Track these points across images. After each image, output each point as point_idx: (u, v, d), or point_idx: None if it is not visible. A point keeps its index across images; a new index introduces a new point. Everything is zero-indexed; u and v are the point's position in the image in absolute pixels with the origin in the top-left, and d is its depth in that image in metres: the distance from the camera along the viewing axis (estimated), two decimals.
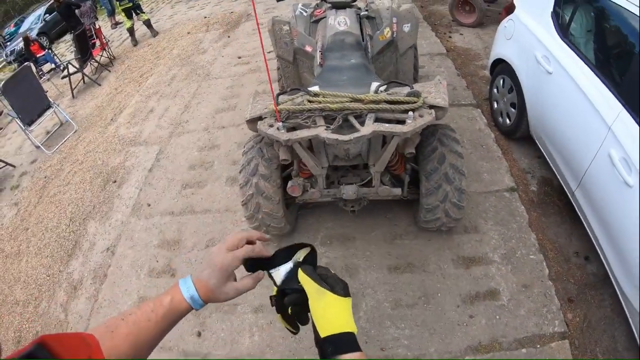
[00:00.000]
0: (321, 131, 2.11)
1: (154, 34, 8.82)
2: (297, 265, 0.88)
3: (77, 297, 3.52)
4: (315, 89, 2.38)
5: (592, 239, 2.61)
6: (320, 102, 2.24)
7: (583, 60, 2.69)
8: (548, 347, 2.45)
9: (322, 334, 0.77)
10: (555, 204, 3.23)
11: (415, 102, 2.19)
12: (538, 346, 2.46)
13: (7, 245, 4.51)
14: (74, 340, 0.51)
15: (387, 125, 2.12)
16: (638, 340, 2.19)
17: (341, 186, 2.63)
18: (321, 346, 0.77)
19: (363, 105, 2.20)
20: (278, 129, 2.19)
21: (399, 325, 2.66)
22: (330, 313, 0.79)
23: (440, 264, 2.93)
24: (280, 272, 0.89)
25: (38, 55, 9.30)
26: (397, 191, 2.69)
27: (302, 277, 0.83)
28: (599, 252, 2.54)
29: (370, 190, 2.68)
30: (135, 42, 8.72)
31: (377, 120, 2.18)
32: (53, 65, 9.12)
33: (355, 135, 2.05)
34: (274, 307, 0.89)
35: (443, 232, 3.06)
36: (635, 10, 2.32)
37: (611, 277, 2.41)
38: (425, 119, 2.14)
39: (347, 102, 2.22)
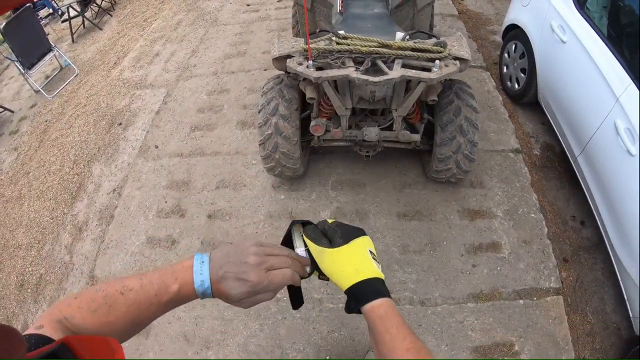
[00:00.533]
0: (351, 72, 2.16)
1: None
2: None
3: (82, 239, 3.52)
4: (342, 32, 2.42)
5: (591, 204, 2.75)
6: (349, 45, 2.28)
7: (597, 34, 2.77)
8: (544, 300, 2.61)
9: (343, 290, 0.75)
10: (556, 169, 3.36)
11: (441, 52, 2.25)
12: (535, 299, 2.62)
13: (7, 190, 4.46)
14: (97, 342, 0.51)
15: (414, 71, 2.19)
16: (628, 303, 2.35)
17: (363, 128, 2.70)
18: (347, 302, 0.75)
19: (391, 50, 2.25)
20: (308, 67, 2.23)
21: (406, 269, 2.79)
22: (336, 268, 0.76)
23: (446, 214, 3.05)
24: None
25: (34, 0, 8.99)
26: (416, 137, 2.78)
27: (307, 242, 0.81)
28: (596, 217, 2.68)
29: (390, 134, 2.75)
30: None
31: (404, 66, 2.24)
32: (51, 10, 8.84)
33: (385, 77, 2.12)
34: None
35: (450, 184, 3.19)
36: None
37: (606, 241, 2.56)
38: (451, 68, 2.21)
39: (376, 46, 2.27)
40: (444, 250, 2.86)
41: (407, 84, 2.44)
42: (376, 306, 0.71)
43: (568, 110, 2.98)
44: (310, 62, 2.23)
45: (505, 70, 4.03)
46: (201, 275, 0.72)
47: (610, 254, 2.51)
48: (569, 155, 3.03)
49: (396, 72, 2.16)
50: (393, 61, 2.26)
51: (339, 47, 2.28)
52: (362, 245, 0.78)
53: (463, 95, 2.69)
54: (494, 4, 5.48)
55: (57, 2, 8.69)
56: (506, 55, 3.98)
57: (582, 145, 2.78)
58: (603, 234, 2.60)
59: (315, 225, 0.84)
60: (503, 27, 4.03)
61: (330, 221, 0.85)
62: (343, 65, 2.25)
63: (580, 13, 2.98)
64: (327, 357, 2.49)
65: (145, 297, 0.70)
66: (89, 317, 0.68)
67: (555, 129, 3.24)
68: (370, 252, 0.78)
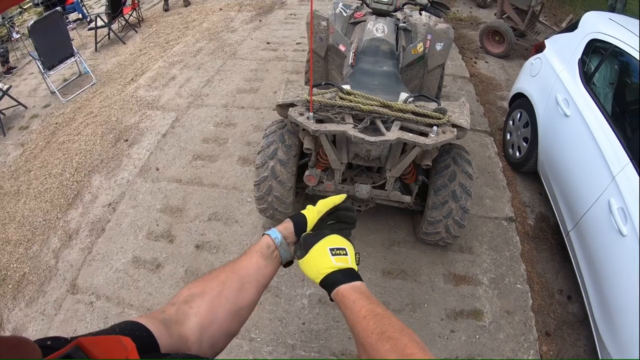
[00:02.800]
0: (349, 128, 2.21)
1: (186, 3, 8.85)
2: None
3: (70, 247, 3.56)
4: (347, 87, 2.48)
5: (579, 279, 2.72)
6: (351, 101, 2.33)
7: (600, 110, 2.82)
8: None
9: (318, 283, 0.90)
10: (549, 240, 3.34)
11: (440, 119, 2.29)
12: None
13: (7, 183, 4.54)
14: (110, 342, 0.52)
15: (411, 134, 2.23)
16: None
17: (356, 184, 2.73)
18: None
19: (391, 111, 2.30)
20: (308, 118, 2.28)
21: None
22: (307, 274, 0.92)
23: (431, 276, 3.03)
24: None
25: (67, 3, 9.28)
26: (407, 198, 2.80)
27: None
28: (583, 293, 2.65)
29: (382, 193, 2.78)
30: (167, 7, 8.73)
31: (401, 128, 2.28)
32: (80, 16, 9.11)
33: (382, 138, 2.15)
34: None
35: (439, 247, 3.17)
36: None
37: (590, 318, 2.52)
38: (448, 135, 2.24)
39: (377, 105, 2.32)
40: (424, 312, 2.83)
41: (404, 146, 2.48)
42: (335, 293, 0.85)
43: (565, 184, 3.00)
44: (311, 114, 2.27)
45: (508, 137, 4.07)
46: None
47: (594, 332, 2.48)
48: (561, 228, 3.03)
49: (393, 133, 2.20)
50: (392, 122, 2.31)
51: (341, 102, 2.33)
52: (321, 248, 0.91)
53: (460, 161, 2.72)
54: (506, 70, 5.58)
55: (87, 8, 8.96)
56: (511, 122, 4.03)
57: (575, 220, 2.79)
58: (588, 311, 2.57)
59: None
60: (510, 95, 4.10)
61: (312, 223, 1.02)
62: (343, 120, 2.30)
63: (585, 88, 3.04)
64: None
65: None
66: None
67: (551, 201, 3.26)
68: (333, 249, 0.91)
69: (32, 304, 3.18)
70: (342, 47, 3.47)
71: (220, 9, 8.34)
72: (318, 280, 0.89)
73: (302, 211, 1.03)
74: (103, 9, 7.47)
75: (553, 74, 3.42)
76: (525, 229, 3.42)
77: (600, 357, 2.37)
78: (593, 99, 2.93)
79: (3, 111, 5.76)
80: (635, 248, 2.16)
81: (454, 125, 2.34)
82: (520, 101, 3.87)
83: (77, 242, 3.60)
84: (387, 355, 0.67)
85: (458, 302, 2.89)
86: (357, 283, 0.86)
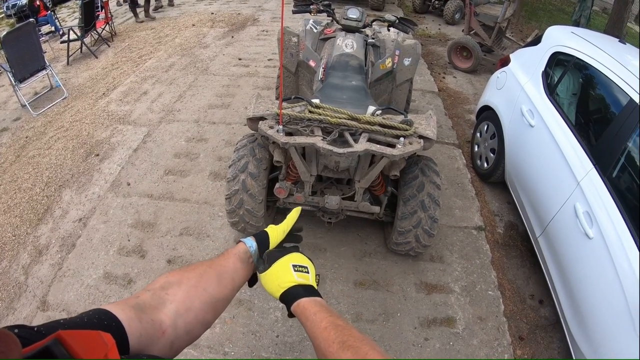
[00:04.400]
0: (318, 141, 2.24)
1: (171, 3, 8.88)
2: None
3: (40, 262, 3.47)
4: (316, 101, 2.52)
5: (549, 283, 2.80)
6: (320, 114, 2.37)
7: (564, 119, 2.93)
8: None
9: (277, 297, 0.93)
10: (518, 247, 3.43)
11: (407, 130, 2.35)
12: None
13: None
14: (91, 337, 0.51)
15: (378, 145, 2.27)
16: None
17: (325, 196, 2.76)
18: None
19: (359, 124, 2.34)
20: (278, 131, 2.31)
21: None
22: (267, 287, 0.96)
23: (403, 286, 3.07)
24: None
25: (40, 16, 9.16)
26: (376, 209, 2.84)
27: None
28: (554, 296, 2.72)
29: (351, 204, 2.81)
30: (138, 18, 8.74)
31: (369, 140, 2.33)
32: (52, 28, 9.00)
33: (349, 150, 2.19)
34: None
35: (410, 256, 3.22)
36: (619, 82, 2.57)
37: (562, 321, 2.59)
38: (414, 146, 2.30)
39: (345, 118, 2.36)
40: (397, 321, 2.85)
41: (372, 158, 2.53)
42: (295, 305, 0.88)
43: (532, 192, 3.10)
44: (281, 127, 2.30)
45: (476, 149, 4.18)
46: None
47: (566, 334, 2.54)
48: (530, 235, 3.12)
49: (361, 145, 2.24)
50: (360, 134, 2.35)
51: (310, 115, 2.37)
52: (284, 264, 0.95)
53: (428, 171, 2.78)
54: (474, 84, 5.75)
55: (60, 21, 8.86)
56: (478, 134, 4.14)
57: (543, 226, 2.87)
58: (560, 314, 2.63)
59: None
60: (477, 108, 4.22)
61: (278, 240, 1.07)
62: (312, 133, 2.33)
63: (549, 99, 3.16)
64: None
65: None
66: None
67: (519, 209, 3.35)
68: (295, 265, 0.95)
69: (1, 321, 3.08)
70: (312, 63, 3.52)
71: (193, 25, 8.38)
72: (278, 294, 0.91)
73: (266, 229, 1.07)
74: (76, 22, 7.41)
75: (518, 87, 3.54)
76: (495, 237, 3.50)
77: (573, 358, 2.43)
78: (557, 109, 3.04)
79: None
80: (601, 250, 2.24)
81: (420, 137, 2.40)
82: (487, 113, 3.98)
83: (47, 257, 3.51)
84: None
85: (431, 311, 2.93)
86: (317, 298, 0.90)
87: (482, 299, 3.03)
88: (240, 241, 1.02)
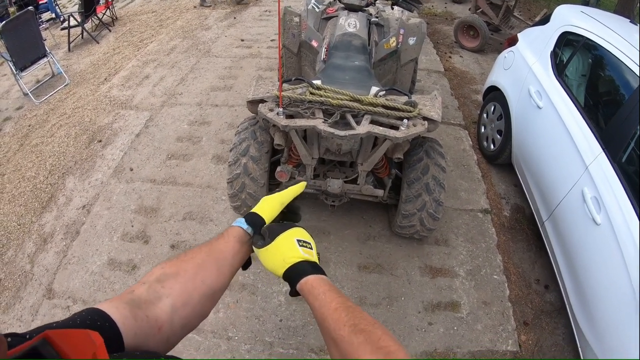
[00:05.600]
0: (319, 123, 2.19)
1: None
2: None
3: (45, 250, 3.48)
4: (317, 82, 2.46)
5: (555, 269, 2.76)
6: (321, 96, 2.31)
7: (573, 101, 2.85)
8: None
9: (279, 277, 0.88)
10: (524, 231, 3.38)
11: (411, 112, 2.29)
12: None
13: None
14: (79, 336, 0.50)
15: (381, 128, 2.22)
16: None
17: (327, 179, 2.72)
18: (291, 289, 0.87)
19: (361, 105, 2.29)
20: (278, 114, 2.26)
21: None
22: (268, 264, 0.89)
23: (407, 269, 3.04)
24: None
25: (40, 2, 9.08)
26: (380, 192, 2.80)
27: (255, 249, 0.95)
28: (559, 282, 2.68)
29: (354, 187, 2.77)
30: None
31: (372, 122, 2.27)
32: (53, 15, 8.92)
33: (351, 132, 2.14)
34: None
35: (415, 240, 3.19)
36: (629, 64, 2.48)
37: (567, 307, 2.55)
38: (418, 128, 2.24)
39: (347, 100, 2.31)
40: (401, 305, 2.83)
41: (375, 140, 2.47)
42: (303, 283, 0.82)
43: (539, 175, 3.03)
44: (281, 109, 2.25)
45: (482, 130, 4.11)
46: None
47: (571, 320, 2.51)
48: (536, 219, 3.07)
49: (363, 127, 2.19)
50: (363, 116, 2.30)
51: (311, 97, 2.31)
52: (288, 238, 0.89)
53: (433, 154, 2.72)
54: (481, 64, 5.63)
55: (61, 8, 8.79)
56: (485, 115, 4.07)
57: (549, 211, 2.82)
58: (565, 300, 2.60)
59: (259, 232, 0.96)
60: (484, 88, 4.13)
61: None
62: (313, 115, 2.28)
63: (558, 80, 3.07)
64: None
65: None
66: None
67: (526, 192, 3.29)
68: (299, 240, 0.90)
69: (8, 310, 3.11)
70: (314, 43, 3.45)
71: (195, 7, 8.27)
72: (283, 270, 0.86)
73: (254, 209, 1.00)
74: (76, 7, 7.33)
75: (526, 67, 3.45)
76: (501, 220, 3.45)
77: (578, 345, 2.39)
78: (565, 91, 2.96)
79: None
80: (609, 236, 2.19)
81: (425, 118, 2.34)
82: (494, 94, 3.90)
83: (52, 245, 3.52)
84: (361, 347, 0.66)
85: (435, 295, 2.90)
86: (324, 276, 0.85)
87: (487, 283, 2.99)
88: (235, 225, 0.95)
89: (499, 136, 3.74)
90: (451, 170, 3.83)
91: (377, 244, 3.22)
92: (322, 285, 0.80)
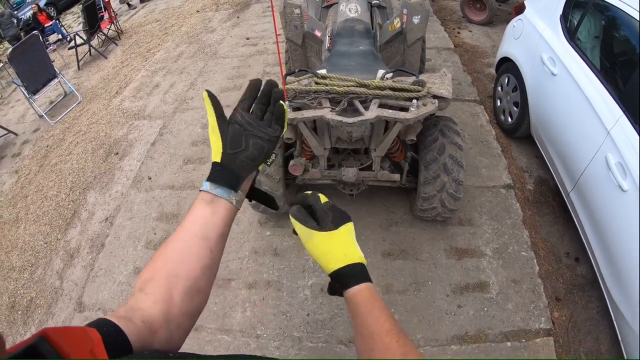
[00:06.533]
0: (326, 112, 2.15)
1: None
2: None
3: (73, 265, 3.56)
4: (322, 71, 2.42)
5: (584, 240, 2.66)
6: (326, 85, 2.27)
7: (588, 65, 2.73)
8: (533, 342, 2.50)
9: (328, 272, 0.78)
10: (550, 204, 3.28)
11: (419, 91, 2.23)
12: (523, 340, 2.51)
13: (5, 212, 4.55)
14: (76, 333, 0.50)
15: (390, 111, 2.16)
16: (622, 345, 2.24)
17: (342, 168, 2.68)
18: (330, 284, 0.80)
19: (368, 90, 2.23)
20: None
21: (389, 310, 2.70)
22: (324, 251, 0.78)
23: (433, 253, 2.98)
24: None
25: (45, 25, 9.26)
26: (396, 177, 2.74)
27: (293, 222, 0.83)
28: (590, 254, 2.59)
29: (370, 174, 2.72)
30: None
31: (381, 105, 2.22)
32: (60, 36, 9.09)
33: (359, 118, 2.10)
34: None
35: (438, 222, 3.12)
36: None
37: (599, 279, 2.46)
38: (428, 108, 2.18)
39: (353, 86, 2.26)
40: (429, 290, 2.78)
41: (387, 124, 2.42)
42: (360, 289, 0.74)
43: (559, 145, 2.93)
44: (287, 103, 2.22)
45: (498, 103, 3.99)
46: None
47: (604, 292, 2.42)
48: (561, 190, 2.96)
49: (371, 112, 2.14)
50: (371, 101, 2.25)
51: (316, 87, 2.27)
52: (350, 232, 0.81)
53: (448, 132, 2.65)
54: (491, 36, 5.48)
55: (67, 28, 8.94)
56: (499, 88, 3.95)
57: (574, 181, 2.72)
58: (596, 272, 2.51)
59: (306, 203, 0.86)
60: (496, 60, 4.02)
61: (322, 200, 0.86)
62: (320, 105, 2.24)
63: (570, 44, 2.95)
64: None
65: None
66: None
67: (548, 164, 3.19)
68: (354, 237, 0.82)
69: (42, 327, 3.17)
70: (317, 33, 3.40)
71: (198, 11, 8.30)
72: (339, 265, 0.76)
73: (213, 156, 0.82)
74: (81, 26, 7.44)
75: (536, 34, 3.33)
76: (525, 194, 3.35)
77: (613, 318, 2.31)
78: (579, 55, 2.84)
79: None
80: (636, 202, 2.09)
81: (435, 97, 2.27)
82: (507, 65, 3.78)
83: (79, 260, 3.60)
84: None
85: (463, 277, 2.84)
86: (375, 286, 0.77)
87: (516, 261, 2.91)
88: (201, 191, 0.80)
89: (515, 108, 3.63)
90: (470, 147, 3.74)
91: (400, 230, 3.17)
92: (377, 300, 0.74)
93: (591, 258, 2.58)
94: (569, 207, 2.86)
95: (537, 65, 3.21)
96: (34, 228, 4.14)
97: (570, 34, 3.00)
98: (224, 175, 0.79)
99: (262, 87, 0.84)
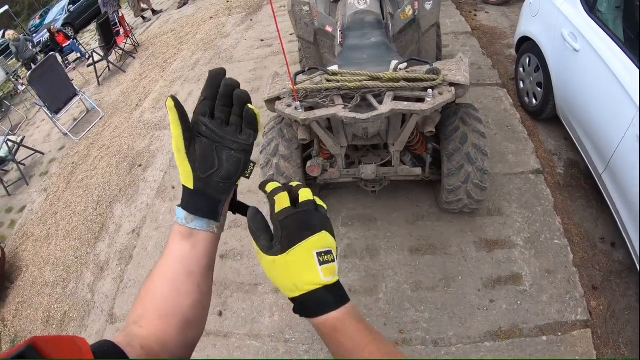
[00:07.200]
0: (339, 110, 2.09)
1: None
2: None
3: (103, 278, 3.64)
4: (334, 68, 2.36)
5: (619, 224, 2.52)
6: (338, 81, 2.21)
7: (611, 38, 2.57)
8: (569, 335, 2.39)
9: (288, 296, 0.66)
10: (582, 187, 3.12)
11: (434, 80, 2.14)
12: (559, 334, 2.40)
13: (36, 230, 4.68)
14: (65, 342, 0.49)
15: (405, 103, 2.09)
16: None
17: (360, 166, 2.61)
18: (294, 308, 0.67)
19: (381, 83, 2.16)
20: (296, 108, 2.18)
21: (419, 307, 2.64)
22: (274, 278, 0.66)
23: (462, 246, 2.89)
24: None
25: (63, 45, 9.51)
26: (417, 171, 2.66)
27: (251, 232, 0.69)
28: (625, 238, 2.45)
29: (390, 170, 2.65)
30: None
31: (395, 98, 2.15)
32: (78, 55, 9.31)
33: (373, 113, 2.03)
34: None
35: (466, 214, 3.02)
36: None
37: (637, 265, 2.33)
38: (445, 96, 2.09)
39: (365, 80, 2.19)
40: (459, 285, 2.69)
41: (403, 117, 2.34)
42: (322, 322, 0.62)
43: (588, 124, 2.78)
44: (298, 103, 2.17)
45: (521, 85, 3.84)
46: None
47: None
48: (593, 173, 2.82)
49: (386, 106, 2.06)
50: (385, 94, 2.17)
51: (327, 84, 2.21)
52: (307, 251, 0.63)
53: (469, 120, 2.55)
54: (509, 16, 5.28)
55: (85, 46, 9.14)
56: (521, 69, 3.80)
57: (605, 162, 2.57)
58: (634, 257, 2.37)
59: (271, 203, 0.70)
60: (515, 41, 3.87)
61: (303, 197, 0.68)
62: (332, 103, 2.18)
63: (590, 17, 2.80)
64: None
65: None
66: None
67: (577, 145, 3.04)
68: (320, 253, 0.63)
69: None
70: (329, 28, 3.34)
71: (211, 17, 8.34)
72: (293, 295, 0.64)
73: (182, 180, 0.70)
74: (98, 43, 7.59)
75: (554, 9, 3.18)
76: (555, 179, 3.21)
77: None
78: (601, 27, 2.68)
79: (22, 161, 5.92)
80: None
81: (451, 84, 2.18)
82: (527, 45, 3.63)
83: (108, 272, 3.67)
84: None
85: (494, 269, 2.73)
86: (349, 305, 0.64)
87: (549, 250, 2.78)
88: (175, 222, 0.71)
89: (539, 89, 3.48)
90: (494, 133, 3.60)
91: (427, 224, 3.08)
92: (348, 325, 0.62)
93: (627, 242, 2.43)
94: (602, 189, 2.71)
95: (558, 42, 3.07)
96: (65, 243, 4.24)
97: (590, 6, 2.85)
98: (200, 203, 0.68)
99: (220, 89, 0.68)
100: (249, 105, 0.70)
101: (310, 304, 0.63)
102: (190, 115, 0.68)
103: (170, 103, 0.66)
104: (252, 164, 0.73)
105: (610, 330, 2.39)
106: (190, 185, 0.67)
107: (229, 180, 0.70)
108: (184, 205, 0.68)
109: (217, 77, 0.68)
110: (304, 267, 0.62)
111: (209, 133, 0.68)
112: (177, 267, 0.68)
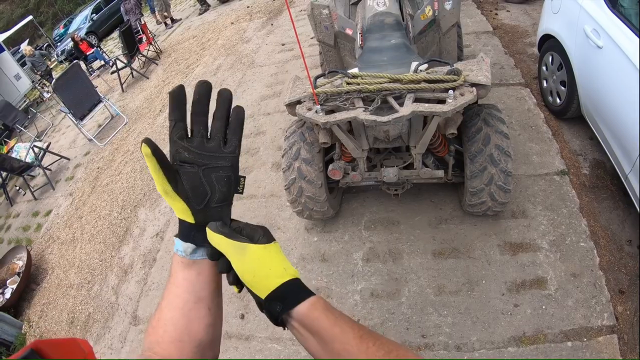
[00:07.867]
0: (359, 113, 2.09)
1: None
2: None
3: (127, 281, 3.71)
4: (354, 70, 2.36)
5: None
6: (358, 84, 2.21)
7: (635, 33, 2.51)
8: (595, 341, 2.32)
9: (264, 294, 0.65)
10: (609, 188, 3.04)
11: (455, 81, 2.11)
12: (585, 340, 2.34)
13: (62, 233, 4.81)
14: (68, 345, 0.50)
15: (426, 105, 2.07)
16: None
17: (382, 169, 2.60)
18: (268, 309, 0.66)
19: (402, 85, 2.15)
20: (316, 112, 2.18)
21: (442, 312, 2.61)
22: (262, 267, 0.65)
23: (485, 249, 2.84)
24: None
25: (87, 53, 9.73)
26: (440, 173, 2.64)
27: (213, 237, 0.66)
28: None
29: (412, 173, 2.63)
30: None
31: (416, 100, 2.13)
32: (102, 62, 9.51)
33: (394, 116, 2.01)
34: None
35: (489, 216, 2.97)
36: None
37: None
38: (467, 97, 2.06)
39: (385, 82, 2.18)
40: (483, 289, 2.65)
41: (425, 119, 2.32)
42: (313, 302, 0.64)
43: (613, 123, 2.71)
44: (318, 106, 2.17)
45: (545, 84, 3.77)
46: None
47: None
48: (619, 173, 2.74)
49: (406, 108, 2.05)
50: (406, 96, 2.16)
51: (347, 87, 2.21)
52: (280, 248, 0.70)
53: (492, 121, 2.51)
54: (530, 14, 5.19)
55: (108, 53, 9.34)
56: (544, 68, 3.73)
57: (631, 161, 2.50)
58: None
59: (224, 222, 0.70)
60: (537, 39, 3.80)
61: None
62: (353, 106, 2.17)
63: (613, 13, 2.74)
64: None
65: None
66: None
67: (603, 145, 2.96)
68: None
69: (100, 340, 3.34)
70: (348, 31, 3.34)
71: (232, 23, 8.43)
72: (282, 280, 0.65)
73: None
74: (121, 50, 7.75)
75: (575, 5, 3.12)
76: (581, 180, 3.13)
77: None
78: (624, 23, 2.62)
79: (48, 167, 6.09)
80: None
81: (473, 85, 2.15)
82: (549, 43, 3.57)
83: (132, 275, 3.74)
84: None
85: (518, 273, 2.68)
86: (318, 297, 0.67)
87: (574, 253, 2.71)
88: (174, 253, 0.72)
89: (563, 88, 3.41)
90: (518, 134, 3.54)
91: (450, 227, 3.04)
92: (334, 309, 0.64)
93: None
94: (628, 191, 2.64)
95: (581, 39, 3.01)
96: (90, 247, 4.34)
97: (612, 1, 2.79)
98: (201, 235, 0.68)
99: (194, 96, 0.67)
100: (238, 105, 0.70)
101: (296, 289, 0.65)
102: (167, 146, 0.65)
103: (147, 150, 0.63)
104: (242, 179, 0.73)
105: (637, 336, 2.31)
106: (191, 220, 0.67)
107: (225, 201, 0.70)
108: (187, 238, 0.68)
109: (179, 95, 0.66)
110: (284, 257, 0.68)
111: (193, 157, 0.66)
112: (185, 295, 0.68)
